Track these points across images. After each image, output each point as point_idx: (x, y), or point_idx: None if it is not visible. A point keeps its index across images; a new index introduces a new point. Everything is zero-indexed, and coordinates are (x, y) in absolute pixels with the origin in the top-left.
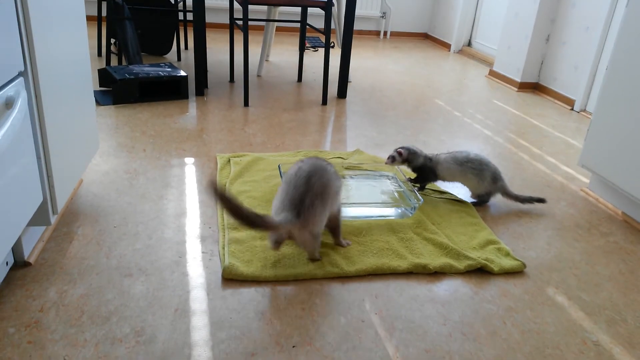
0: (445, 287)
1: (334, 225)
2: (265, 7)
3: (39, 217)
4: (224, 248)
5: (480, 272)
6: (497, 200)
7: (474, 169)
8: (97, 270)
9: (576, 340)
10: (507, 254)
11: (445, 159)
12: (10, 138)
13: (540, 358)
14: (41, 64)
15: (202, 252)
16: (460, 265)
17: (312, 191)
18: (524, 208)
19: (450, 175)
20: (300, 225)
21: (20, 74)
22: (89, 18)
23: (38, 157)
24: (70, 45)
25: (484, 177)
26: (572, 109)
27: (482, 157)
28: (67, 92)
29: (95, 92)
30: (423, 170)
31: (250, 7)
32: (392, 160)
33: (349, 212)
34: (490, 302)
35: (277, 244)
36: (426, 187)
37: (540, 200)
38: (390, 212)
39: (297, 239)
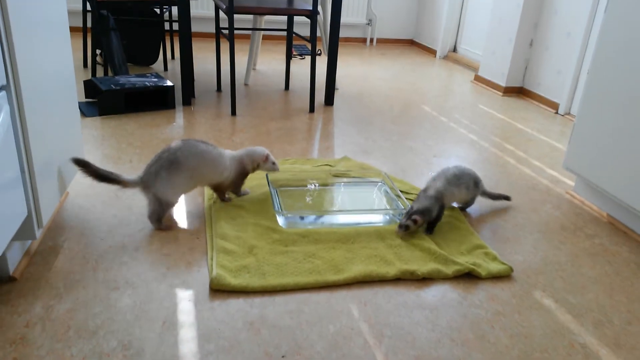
0: (434, 293)
1: (220, 190)
2: (251, 16)
3: (24, 231)
4: (212, 259)
5: (468, 276)
6: (482, 204)
7: (464, 182)
8: (83, 284)
9: (564, 343)
10: (495, 258)
11: (445, 187)
12: None
13: None
14: (24, 77)
15: (190, 263)
16: (448, 270)
17: (159, 163)
18: (511, 213)
19: (454, 198)
20: (143, 186)
21: (2, 88)
22: (74, 29)
23: (22, 171)
24: (54, 57)
25: (470, 186)
26: (556, 113)
27: (460, 167)
28: (51, 105)
29: (80, 103)
30: (439, 213)
31: (236, 16)
32: (405, 229)
33: (337, 219)
34: (478, 307)
35: (158, 222)
36: (404, 192)
37: (506, 198)
38: (378, 218)
39: (147, 201)
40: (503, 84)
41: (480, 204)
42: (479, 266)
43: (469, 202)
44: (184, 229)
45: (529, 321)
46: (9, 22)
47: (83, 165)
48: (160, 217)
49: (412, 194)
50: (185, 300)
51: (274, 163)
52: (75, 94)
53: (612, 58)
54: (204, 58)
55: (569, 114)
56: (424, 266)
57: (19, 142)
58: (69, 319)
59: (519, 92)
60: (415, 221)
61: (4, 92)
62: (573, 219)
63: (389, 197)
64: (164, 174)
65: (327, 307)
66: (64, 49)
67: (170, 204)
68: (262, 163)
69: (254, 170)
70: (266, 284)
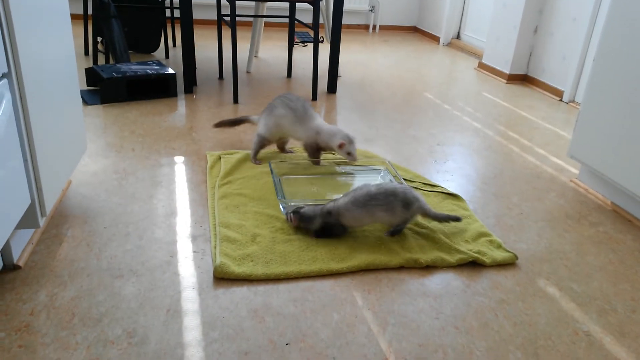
0: (438, 281)
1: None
2: (253, 3)
3: (28, 220)
4: (215, 247)
5: (472, 264)
6: (485, 192)
7: (380, 205)
8: (87, 272)
9: (568, 331)
10: (499, 246)
11: (346, 206)
12: None
13: (532, 349)
14: (25, 65)
15: (194, 252)
16: (452, 258)
17: (269, 104)
18: (515, 201)
19: (357, 221)
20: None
21: (3, 76)
22: (75, 17)
23: (25, 160)
24: (55, 45)
25: (394, 208)
26: (561, 100)
27: (386, 186)
28: (52, 93)
29: (82, 91)
30: (328, 229)
31: (237, 2)
32: (286, 218)
33: None
34: (482, 295)
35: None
36: (407, 180)
37: (456, 219)
38: None
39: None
40: (507, 71)
41: (483, 192)
42: (483, 254)
43: (399, 226)
44: (187, 218)
45: (533, 309)
46: (9, 9)
47: (219, 125)
48: (256, 151)
49: (415, 182)
50: (189, 289)
51: (349, 153)
52: (77, 82)
53: (619, 44)
54: (205, 45)
55: (573, 101)
56: (427, 254)
57: (21, 130)
58: (74, 307)
59: (523, 79)
60: (290, 219)
61: (5, 80)
62: (577, 207)
63: None
64: (264, 114)
65: (331, 295)
66: (65, 37)
67: (263, 137)
68: (336, 148)
69: (330, 150)
70: (270, 272)
